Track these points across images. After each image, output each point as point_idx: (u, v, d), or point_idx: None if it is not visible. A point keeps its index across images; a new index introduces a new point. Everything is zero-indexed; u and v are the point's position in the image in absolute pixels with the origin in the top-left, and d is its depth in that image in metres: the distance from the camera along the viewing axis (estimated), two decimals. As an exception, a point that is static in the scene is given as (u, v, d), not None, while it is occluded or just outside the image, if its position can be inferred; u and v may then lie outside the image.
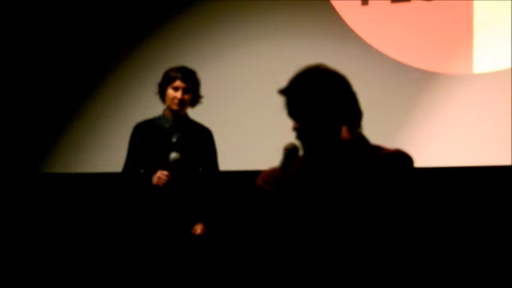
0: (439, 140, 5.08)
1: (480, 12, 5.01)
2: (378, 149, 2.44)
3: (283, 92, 2.44)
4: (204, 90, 4.62)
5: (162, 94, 4.53)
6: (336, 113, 2.40)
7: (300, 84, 2.43)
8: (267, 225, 2.43)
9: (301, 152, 2.45)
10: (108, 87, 5.98)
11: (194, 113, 4.63)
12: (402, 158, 2.41)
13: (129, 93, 5.87)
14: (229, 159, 4.92)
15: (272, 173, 2.46)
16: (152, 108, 4.69)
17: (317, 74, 2.44)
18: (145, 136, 4.53)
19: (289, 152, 2.44)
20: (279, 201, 2.42)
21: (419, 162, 4.74)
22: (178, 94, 4.47)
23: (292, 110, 2.42)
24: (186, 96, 4.49)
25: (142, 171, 4.47)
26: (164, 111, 4.57)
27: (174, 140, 4.51)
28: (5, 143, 6.11)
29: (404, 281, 2.37)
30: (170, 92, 4.49)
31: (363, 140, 2.46)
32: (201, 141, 4.57)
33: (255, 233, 2.45)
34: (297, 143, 2.44)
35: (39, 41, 6.13)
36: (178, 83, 4.47)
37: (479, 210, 4.93)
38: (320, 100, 2.39)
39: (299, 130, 2.42)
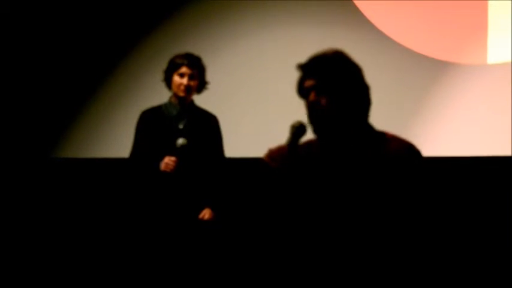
0: (453, 129, 5.06)
1: (495, 2, 4.96)
2: (383, 134, 2.48)
3: (309, 66, 2.45)
4: (211, 77, 4.61)
5: (168, 81, 4.53)
6: (361, 95, 2.46)
7: (331, 60, 2.45)
8: (271, 201, 2.43)
9: (309, 130, 2.48)
10: (118, 76, 6.00)
11: (201, 100, 4.63)
12: (411, 151, 2.45)
13: (139, 81, 5.88)
14: (234, 146, 4.92)
15: (279, 150, 2.49)
16: (162, 95, 4.68)
17: (345, 56, 2.48)
18: (152, 123, 4.53)
19: (296, 129, 2.44)
20: (284, 178, 2.44)
21: (432, 151, 4.80)
22: (185, 80, 4.47)
23: (321, 85, 2.42)
24: (192, 83, 4.49)
25: (150, 157, 4.47)
26: (170, 98, 4.57)
27: (181, 126, 4.51)
28: (18, 129, 6.14)
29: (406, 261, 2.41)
30: (176, 78, 4.49)
31: (369, 126, 2.50)
32: (208, 127, 4.57)
33: (259, 209, 2.47)
34: (304, 121, 2.46)
35: (51, 30, 6.15)
36: (184, 70, 4.47)
37: (493, 199, 4.90)
38: (351, 79, 2.44)
39: (320, 105, 2.41)
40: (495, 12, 4.96)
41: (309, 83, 2.44)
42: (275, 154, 2.48)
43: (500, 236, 4.86)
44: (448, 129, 5.07)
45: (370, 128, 2.49)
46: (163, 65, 4.57)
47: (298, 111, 2.70)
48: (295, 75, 2.51)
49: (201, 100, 4.61)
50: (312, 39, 5.30)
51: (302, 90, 2.47)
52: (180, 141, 4.40)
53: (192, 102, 4.57)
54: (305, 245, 2.41)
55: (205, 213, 4.49)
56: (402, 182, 2.39)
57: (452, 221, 4.90)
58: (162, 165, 4.39)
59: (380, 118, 2.62)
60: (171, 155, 4.39)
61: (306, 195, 2.41)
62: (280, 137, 2.65)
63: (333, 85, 2.41)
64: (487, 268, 4.85)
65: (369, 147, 2.43)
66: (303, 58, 2.51)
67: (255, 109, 5.53)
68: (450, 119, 5.06)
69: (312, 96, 2.42)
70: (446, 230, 4.85)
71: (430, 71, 5.14)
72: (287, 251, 2.44)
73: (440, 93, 5.11)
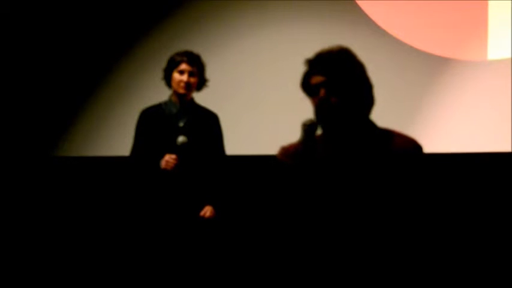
0: (453, 125, 5.06)
1: (495, 2, 4.96)
2: (389, 132, 2.49)
3: (316, 62, 2.45)
4: (212, 74, 4.62)
5: (168, 79, 4.53)
6: (367, 92, 2.46)
7: (339, 57, 2.45)
8: (288, 198, 2.43)
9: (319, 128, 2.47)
10: (118, 75, 6.00)
11: (201, 98, 4.63)
12: (415, 148, 2.46)
13: (139, 80, 5.88)
14: (234, 144, 4.92)
15: (293, 148, 2.48)
16: (162, 94, 4.68)
17: (351, 53, 2.48)
18: (153, 121, 4.53)
19: (308, 127, 2.43)
20: (301, 175, 2.43)
21: (433, 148, 4.80)
22: (184, 77, 4.47)
23: (331, 82, 2.42)
24: (192, 80, 4.49)
25: (150, 155, 4.47)
26: (170, 96, 4.57)
27: (181, 124, 4.51)
28: (19, 128, 6.15)
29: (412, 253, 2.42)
30: (176, 75, 4.49)
31: (372, 123, 2.51)
32: (208, 125, 4.57)
33: (276, 206, 2.46)
34: (314, 118, 2.45)
35: (50, 29, 6.15)
36: (183, 66, 4.47)
37: (493, 195, 4.90)
38: (359, 76, 2.44)
39: (330, 101, 2.41)
40: (495, 11, 4.96)
41: (317, 79, 2.42)
42: (290, 152, 2.48)
43: (501, 231, 4.86)
44: (449, 125, 5.07)
45: (374, 125, 2.49)
46: (163, 63, 4.57)
47: (298, 109, 2.70)
48: (295, 74, 2.50)
49: (201, 98, 4.61)
50: (313, 38, 5.30)
51: (308, 86, 2.46)
52: (181, 139, 4.40)
53: (192, 100, 4.57)
54: (317, 240, 2.41)
55: (207, 211, 4.49)
56: (409, 178, 2.39)
57: (453, 216, 4.90)
58: (163, 163, 4.39)
59: (381, 114, 2.63)
60: (171, 153, 4.39)
61: (320, 192, 2.41)
62: (280, 134, 2.65)
63: (343, 83, 2.41)
64: (487, 264, 4.85)
65: (376, 144, 2.44)
66: (304, 57, 2.49)
67: (256, 107, 5.53)
68: (450, 115, 5.06)
69: (322, 92, 2.42)
70: (448, 225, 4.85)
71: (431, 67, 5.14)
72: (298, 246, 2.43)
73: (440, 89, 5.11)
